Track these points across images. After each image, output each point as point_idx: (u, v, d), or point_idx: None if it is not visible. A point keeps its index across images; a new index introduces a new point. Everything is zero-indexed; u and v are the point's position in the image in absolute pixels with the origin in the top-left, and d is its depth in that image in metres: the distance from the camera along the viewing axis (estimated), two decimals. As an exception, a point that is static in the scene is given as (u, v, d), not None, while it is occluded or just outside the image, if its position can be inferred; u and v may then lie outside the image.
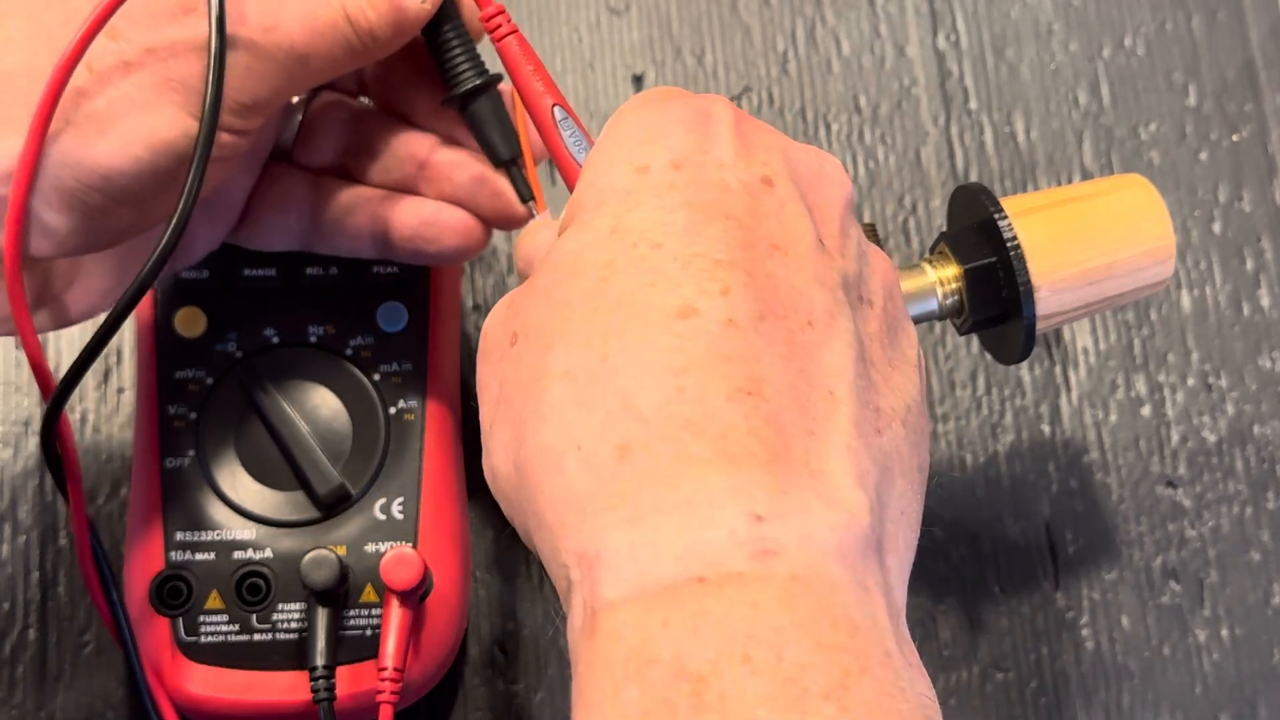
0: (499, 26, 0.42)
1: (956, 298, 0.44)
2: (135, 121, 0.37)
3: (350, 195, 0.45)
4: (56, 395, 0.42)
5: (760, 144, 0.35)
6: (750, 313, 0.31)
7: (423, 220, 0.45)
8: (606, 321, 0.31)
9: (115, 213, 0.39)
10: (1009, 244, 0.43)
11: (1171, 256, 0.45)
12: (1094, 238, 0.44)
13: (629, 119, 0.36)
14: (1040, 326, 0.44)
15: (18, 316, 0.39)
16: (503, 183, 0.44)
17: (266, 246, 0.46)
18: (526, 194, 0.44)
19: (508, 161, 0.44)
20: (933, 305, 0.44)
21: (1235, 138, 0.59)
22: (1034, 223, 0.44)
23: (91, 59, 0.37)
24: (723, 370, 0.30)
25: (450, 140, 0.45)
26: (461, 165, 0.45)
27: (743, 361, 0.31)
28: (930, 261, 0.45)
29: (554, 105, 0.40)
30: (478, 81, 0.43)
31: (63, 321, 0.42)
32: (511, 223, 0.45)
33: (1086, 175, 0.59)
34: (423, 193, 0.45)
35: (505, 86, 0.44)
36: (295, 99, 0.46)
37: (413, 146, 0.45)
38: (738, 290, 0.31)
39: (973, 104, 0.59)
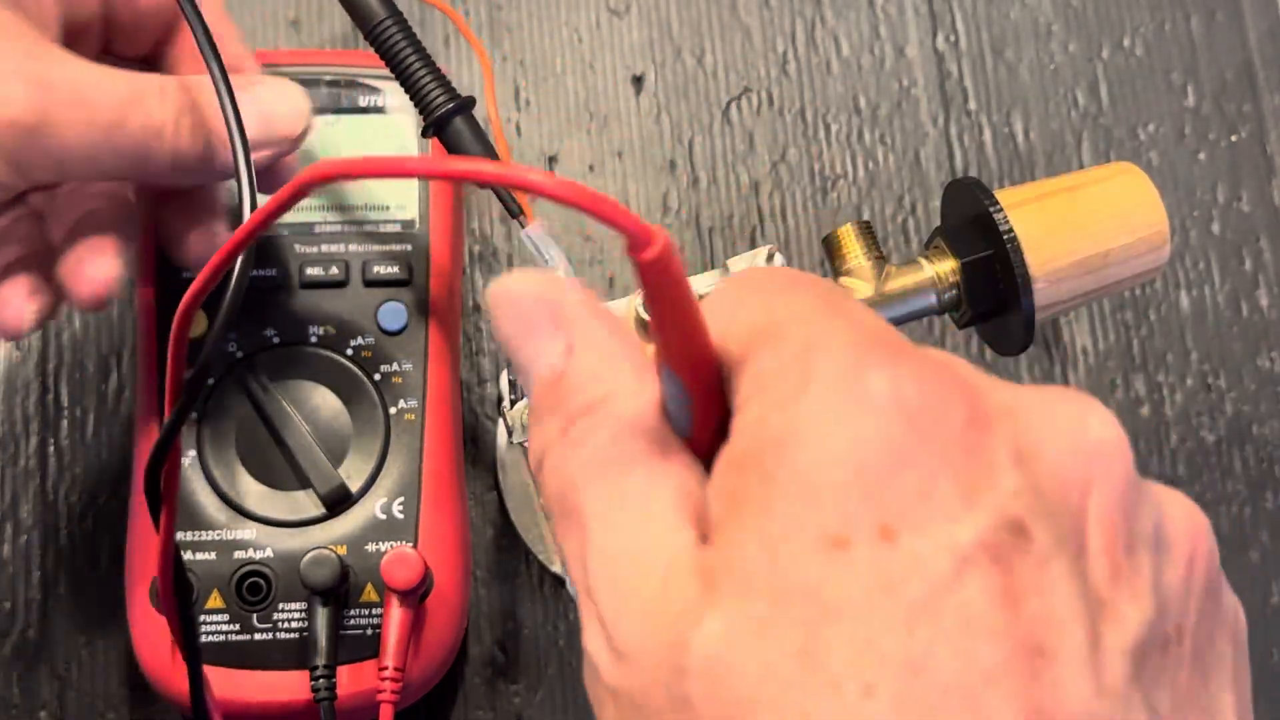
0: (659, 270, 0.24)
1: (954, 292, 0.44)
2: None
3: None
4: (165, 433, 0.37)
5: (995, 445, 0.23)
6: None
7: None
8: None
9: None
10: (1005, 236, 0.43)
11: (1166, 242, 0.45)
12: (1089, 227, 0.44)
13: (825, 418, 0.23)
14: (1039, 317, 0.44)
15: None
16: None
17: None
18: (516, 209, 0.44)
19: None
20: (931, 300, 0.44)
21: (1234, 138, 0.60)
22: (1029, 214, 0.44)
23: None
24: None
25: None
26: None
27: None
28: (927, 256, 0.45)
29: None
30: (451, 105, 0.44)
31: None
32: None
33: (1085, 176, 0.59)
34: None
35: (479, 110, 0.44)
36: None
37: None
38: None
39: (972, 104, 0.59)
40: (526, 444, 0.44)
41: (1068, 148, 0.59)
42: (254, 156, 0.40)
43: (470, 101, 0.44)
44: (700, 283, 0.45)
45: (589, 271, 0.56)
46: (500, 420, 0.54)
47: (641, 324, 0.43)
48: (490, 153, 0.44)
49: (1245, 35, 0.61)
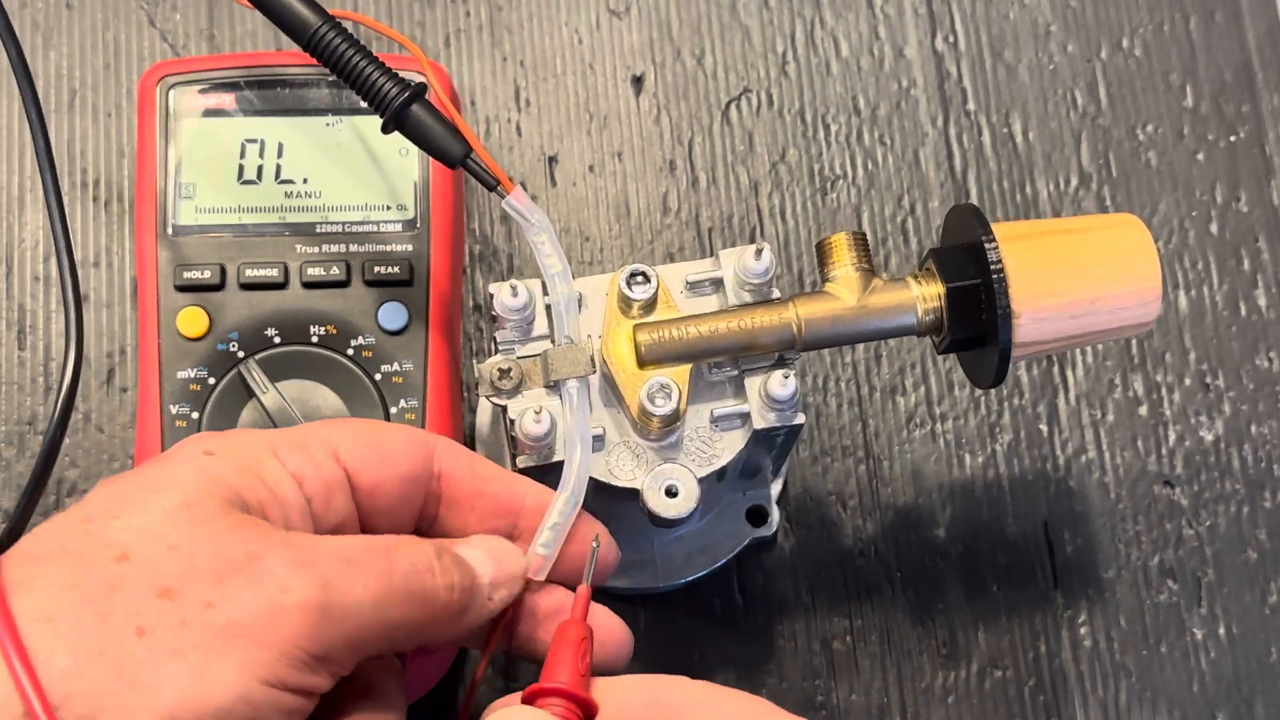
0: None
1: (935, 316, 0.45)
2: (184, 685, 0.34)
3: None
4: None
5: None
6: None
7: None
8: None
9: None
10: (993, 268, 0.43)
11: (1157, 299, 0.44)
12: (1080, 270, 0.44)
13: None
14: (1016, 354, 0.44)
15: None
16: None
17: None
18: (492, 181, 0.44)
19: (463, 158, 0.44)
20: (911, 320, 0.45)
21: (1232, 138, 0.60)
22: (1023, 249, 0.44)
23: (141, 620, 0.34)
24: None
25: None
26: None
27: None
28: (916, 277, 0.45)
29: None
30: (406, 94, 0.44)
31: None
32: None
33: (1084, 176, 0.59)
34: None
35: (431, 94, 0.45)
36: None
37: None
38: None
39: (971, 105, 0.60)
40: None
41: (1066, 148, 0.59)
42: (501, 595, 0.40)
43: (422, 88, 0.45)
44: (695, 268, 0.46)
45: (589, 273, 0.56)
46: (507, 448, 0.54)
47: (625, 300, 0.44)
48: (454, 133, 0.44)
49: (1244, 36, 0.61)
